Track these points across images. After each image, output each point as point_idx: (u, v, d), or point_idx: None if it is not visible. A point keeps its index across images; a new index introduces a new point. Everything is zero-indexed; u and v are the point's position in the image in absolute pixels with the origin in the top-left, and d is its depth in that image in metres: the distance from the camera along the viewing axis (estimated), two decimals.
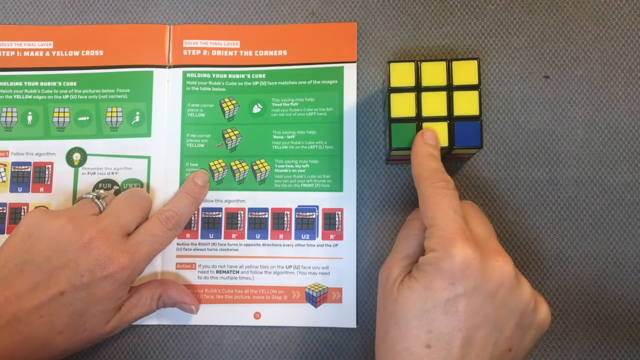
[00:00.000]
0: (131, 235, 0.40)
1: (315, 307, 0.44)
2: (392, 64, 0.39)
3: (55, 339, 0.37)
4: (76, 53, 0.47)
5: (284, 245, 0.45)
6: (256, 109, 0.46)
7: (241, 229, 0.45)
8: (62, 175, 0.45)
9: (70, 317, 0.38)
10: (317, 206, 0.45)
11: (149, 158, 0.45)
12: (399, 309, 0.33)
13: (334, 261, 0.44)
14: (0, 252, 0.39)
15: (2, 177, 0.45)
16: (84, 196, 0.42)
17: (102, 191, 0.44)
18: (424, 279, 0.33)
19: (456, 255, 0.32)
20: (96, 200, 0.41)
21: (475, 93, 0.38)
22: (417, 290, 0.33)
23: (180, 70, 0.46)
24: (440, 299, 0.32)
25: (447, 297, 0.32)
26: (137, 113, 0.46)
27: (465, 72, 0.39)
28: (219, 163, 0.45)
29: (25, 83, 0.46)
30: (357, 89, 0.46)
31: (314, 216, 0.45)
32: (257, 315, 0.44)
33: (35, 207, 0.45)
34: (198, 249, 0.45)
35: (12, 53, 0.47)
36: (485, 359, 0.32)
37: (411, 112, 0.39)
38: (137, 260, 0.39)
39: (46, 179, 0.45)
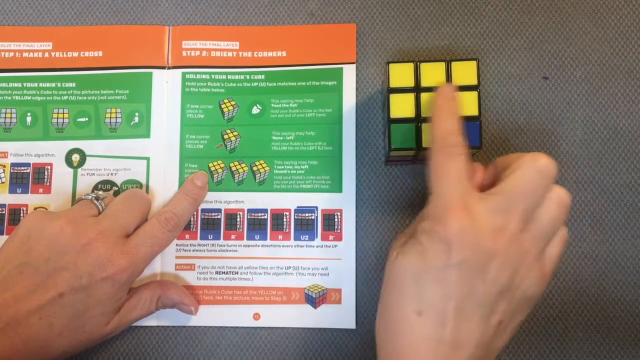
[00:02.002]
0: (130, 236, 0.40)
1: (315, 308, 0.44)
2: (391, 65, 0.39)
3: (54, 340, 0.37)
4: (75, 54, 0.47)
5: (283, 246, 0.45)
6: (255, 110, 0.46)
7: (240, 230, 0.45)
8: (61, 176, 0.45)
9: (70, 319, 0.37)
10: (316, 207, 0.45)
11: (148, 159, 0.45)
12: (394, 275, 0.34)
13: (333, 262, 0.44)
14: (0, 254, 0.39)
15: (1, 178, 0.45)
16: (83, 197, 0.42)
17: (101, 192, 0.44)
18: (418, 246, 0.33)
19: (449, 226, 0.32)
20: (95, 202, 0.41)
21: (475, 94, 0.38)
22: (410, 257, 0.33)
23: (179, 71, 0.46)
24: (432, 267, 0.32)
25: (436, 266, 0.32)
26: (136, 114, 0.46)
27: (465, 72, 0.39)
28: (218, 164, 0.45)
29: (25, 84, 0.46)
30: (356, 90, 0.46)
31: (313, 217, 0.45)
32: (256, 316, 0.44)
33: (35, 209, 0.45)
34: (197, 250, 0.45)
35: (11, 54, 0.47)
36: (477, 330, 0.32)
37: (410, 113, 0.39)
38: (137, 262, 0.39)
39: (45, 180, 0.45)
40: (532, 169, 0.33)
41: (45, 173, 0.45)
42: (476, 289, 0.32)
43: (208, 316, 0.44)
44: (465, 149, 0.34)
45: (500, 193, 0.33)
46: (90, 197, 0.42)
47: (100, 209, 0.41)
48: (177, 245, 0.45)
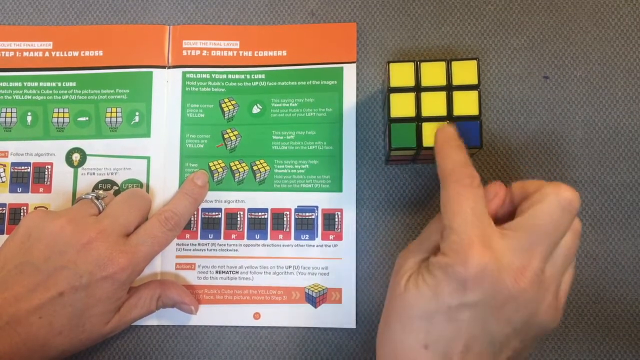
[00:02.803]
0: (130, 235, 0.40)
1: (315, 307, 0.44)
2: (391, 64, 0.39)
3: (54, 339, 0.37)
4: (75, 53, 0.47)
5: (283, 245, 0.45)
6: (256, 110, 0.46)
7: (241, 230, 0.45)
8: (61, 175, 0.45)
9: (70, 318, 0.37)
10: (317, 206, 0.45)
11: (148, 158, 0.45)
12: (403, 305, 0.33)
13: (334, 261, 0.44)
14: (0, 253, 0.39)
15: (1, 177, 0.45)
16: (83, 197, 0.42)
17: (101, 192, 0.44)
18: (432, 281, 0.32)
19: (469, 265, 0.30)
20: (95, 201, 0.41)
21: (475, 93, 0.38)
22: (423, 291, 0.32)
23: (179, 71, 0.46)
24: (445, 305, 0.31)
25: (449, 305, 0.31)
26: (137, 113, 0.46)
27: (465, 72, 0.39)
28: (219, 163, 0.45)
29: (25, 83, 0.46)
30: (357, 89, 0.46)
31: (313, 216, 0.45)
32: (256, 316, 0.44)
33: (35, 208, 0.45)
34: (197, 250, 0.45)
35: (12, 54, 0.47)
36: None
37: (411, 112, 0.39)
38: (137, 261, 0.39)
39: (46, 179, 0.45)
40: (555, 204, 0.31)
41: (46, 172, 0.45)
42: (489, 328, 0.31)
43: (208, 316, 0.44)
44: (480, 180, 0.33)
45: (521, 229, 0.32)
46: (90, 196, 0.42)
47: (101, 208, 0.41)
48: (177, 244, 0.45)
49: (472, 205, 0.32)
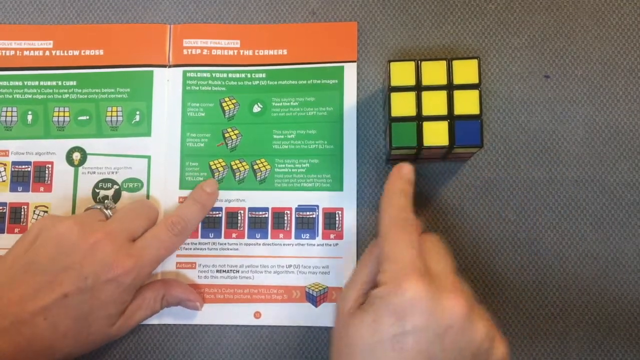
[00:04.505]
0: (137, 240, 0.40)
1: (316, 306, 0.44)
2: (392, 63, 0.39)
3: (59, 342, 0.37)
4: (76, 52, 0.47)
5: (284, 244, 0.45)
6: (256, 109, 0.46)
7: (241, 229, 0.45)
8: (62, 174, 0.45)
9: (75, 320, 0.37)
10: (317, 205, 0.45)
11: (149, 157, 0.45)
12: (348, 341, 0.33)
13: (334, 261, 0.44)
14: (8, 254, 0.39)
15: (2, 176, 0.45)
16: (92, 207, 0.43)
17: (109, 202, 0.44)
18: (373, 312, 0.32)
19: (406, 291, 0.31)
20: (104, 210, 0.42)
21: (476, 92, 0.38)
22: (365, 324, 0.32)
23: (180, 70, 0.46)
24: (387, 334, 0.31)
25: (393, 333, 0.31)
26: (137, 112, 0.46)
27: (466, 71, 0.39)
28: (219, 162, 0.45)
29: (25, 82, 0.46)
30: (357, 88, 0.46)
31: (314, 215, 0.45)
32: (257, 315, 0.44)
33: (36, 207, 0.45)
34: (198, 249, 0.45)
35: (12, 52, 0.47)
36: None
37: (411, 111, 0.39)
38: (142, 264, 0.39)
39: (46, 178, 0.45)
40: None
41: (46, 171, 0.45)
42: (433, 357, 0.31)
43: (209, 314, 0.44)
44: (418, 226, 0.36)
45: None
46: (99, 206, 0.42)
47: (109, 217, 0.42)
48: None
49: (408, 241, 0.34)
